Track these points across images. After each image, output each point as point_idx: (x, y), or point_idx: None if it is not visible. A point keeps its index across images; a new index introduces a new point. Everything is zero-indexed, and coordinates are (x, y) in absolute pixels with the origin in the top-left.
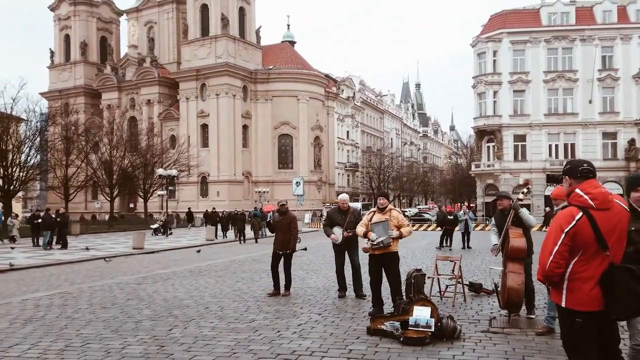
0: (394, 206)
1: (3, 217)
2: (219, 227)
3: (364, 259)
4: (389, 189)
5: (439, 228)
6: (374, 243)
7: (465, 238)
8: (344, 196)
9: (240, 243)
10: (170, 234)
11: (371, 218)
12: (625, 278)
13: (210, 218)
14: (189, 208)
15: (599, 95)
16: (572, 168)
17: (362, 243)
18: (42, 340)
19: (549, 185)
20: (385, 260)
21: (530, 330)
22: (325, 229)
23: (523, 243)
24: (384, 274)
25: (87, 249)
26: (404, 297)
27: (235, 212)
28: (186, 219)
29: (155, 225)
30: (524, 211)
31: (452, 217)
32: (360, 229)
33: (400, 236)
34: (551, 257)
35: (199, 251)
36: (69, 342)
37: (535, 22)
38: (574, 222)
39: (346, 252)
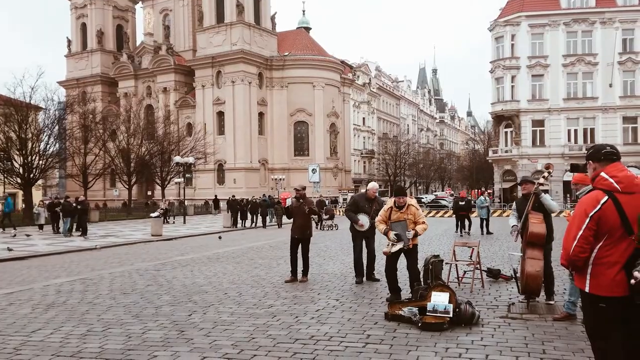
0: (411, 194)
1: (23, 206)
2: (238, 214)
3: (379, 246)
4: (405, 175)
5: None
6: (395, 250)
7: (484, 224)
8: (375, 185)
9: (264, 228)
10: (173, 222)
11: (389, 215)
12: None
13: (230, 205)
14: (216, 195)
15: (619, 78)
16: (595, 152)
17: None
18: (64, 325)
19: (567, 171)
20: (405, 252)
21: (549, 316)
22: (350, 214)
23: (543, 229)
24: (398, 263)
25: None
26: (422, 282)
27: (255, 198)
28: (212, 205)
29: (156, 214)
30: (545, 196)
31: (463, 203)
32: (381, 226)
33: (416, 235)
34: (575, 242)
35: (220, 237)
36: (91, 327)
37: (554, 5)
38: (599, 206)
39: (363, 237)
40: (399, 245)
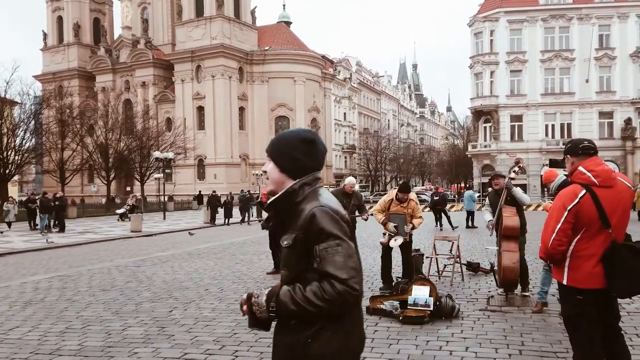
0: (391, 187)
1: None
2: (217, 211)
3: (359, 240)
4: (386, 170)
5: (428, 209)
6: (397, 244)
7: (471, 217)
8: (352, 180)
9: (247, 224)
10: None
11: (389, 207)
12: (628, 256)
13: (209, 202)
14: (200, 191)
15: (595, 74)
16: (573, 146)
17: (361, 224)
18: (43, 323)
19: (545, 166)
20: (400, 245)
21: (527, 308)
22: None
23: (517, 222)
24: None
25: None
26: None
27: (235, 195)
28: (197, 201)
29: (122, 210)
30: (517, 190)
31: (437, 198)
32: (379, 215)
33: (412, 228)
34: (554, 235)
35: (192, 234)
36: (70, 324)
37: (532, 1)
38: (577, 200)
39: None
40: (400, 240)
